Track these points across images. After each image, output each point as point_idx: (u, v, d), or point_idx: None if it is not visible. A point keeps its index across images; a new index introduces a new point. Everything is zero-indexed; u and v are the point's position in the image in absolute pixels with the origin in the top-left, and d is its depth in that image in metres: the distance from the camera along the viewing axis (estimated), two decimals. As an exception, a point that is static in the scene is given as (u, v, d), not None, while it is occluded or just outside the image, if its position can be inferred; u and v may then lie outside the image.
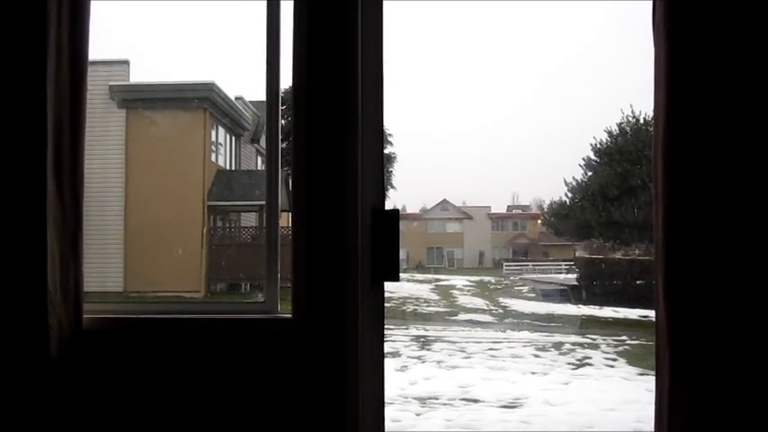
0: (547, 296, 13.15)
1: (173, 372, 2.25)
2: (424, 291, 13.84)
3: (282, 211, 2.53)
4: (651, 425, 1.95)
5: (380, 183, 2.26)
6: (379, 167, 2.27)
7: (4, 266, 2.10)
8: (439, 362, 9.34)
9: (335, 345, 2.17)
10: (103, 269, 8.21)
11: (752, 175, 1.80)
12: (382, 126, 2.29)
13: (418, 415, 7.23)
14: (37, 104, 2.10)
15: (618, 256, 12.57)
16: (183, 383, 2.24)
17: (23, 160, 2.11)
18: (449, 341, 10.51)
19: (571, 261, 13.72)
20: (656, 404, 1.93)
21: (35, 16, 2.12)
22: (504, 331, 11.28)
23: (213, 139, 9.06)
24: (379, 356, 2.24)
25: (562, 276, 13.71)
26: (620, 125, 11.45)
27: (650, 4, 1.96)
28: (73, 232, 2.19)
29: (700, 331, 1.82)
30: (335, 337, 2.17)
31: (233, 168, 9.57)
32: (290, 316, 2.25)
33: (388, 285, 2.27)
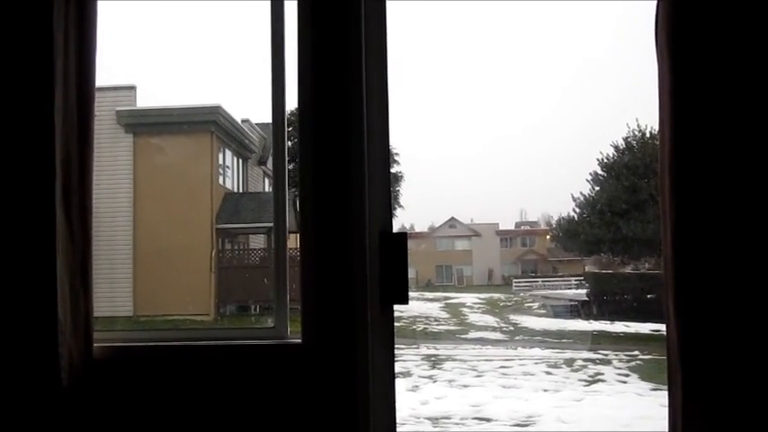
0: (557, 312, 13.08)
1: (183, 399, 2.24)
2: (434, 309, 13.79)
3: (290, 232, 2.54)
4: (666, 442, 1.94)
5: (388, 205, 2.26)
6: (386, 190, 2.27)
7: (14, 296, 2.11)
8: (450, 381, 9.28)
9: (346, 370, 2.16)
10: (113, 294, 8.23)
11: (759, 188, 1.80)
12: (389, 148, 2.30)
13: (430, 435, 7.20)
14: (45, 133, 2.12)
15: (628, 270, 12.51)
16: (194, 410, 2.24)
17: (32, 189, 2.12)
18: (460, 360, 10.44)
19: (581, 276, 13.65)
20: (669, 420, 1.92)
21: (42, 47, 2.14)
22: (516, 349, 11.22)
23: (220, 162, 9.09)
24: (390, 380, 2.23)
25: (572, 292, 13.63)
26: (626, 139, 11.41)
27: (653, 22, 1.97)
28: (82, 261, 2.20)
29: (711, 346, 1.81)
30: (346, 362, 2.16)
31: (241, 191, 9.59)
32: (299, 341, 2.24)
33: (397, 305, 2.27)
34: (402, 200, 11.12)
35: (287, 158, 2.44)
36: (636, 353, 10.25)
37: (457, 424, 7.52)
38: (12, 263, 2.12)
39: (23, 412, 2.11)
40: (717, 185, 1.82)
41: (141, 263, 8.66)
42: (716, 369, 1.80)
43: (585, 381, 9.17)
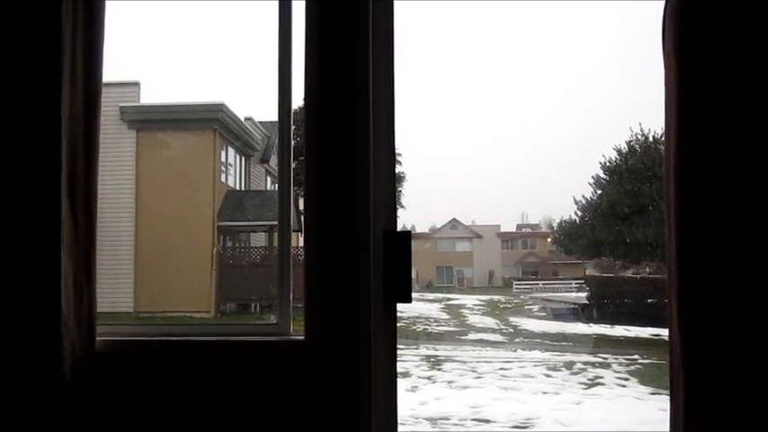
0: (557, 315, 13.08)
1: (185, 394, 2.25)
2: (434, 310, 13.78)
3: (292, 231, 2.54)
4: (665, 445, 1.94)
5: (392, 204, 2.27)
6: (390, 188, 2.27)
7: (18, 289, 2.11)
8: (450, 382, 9.28)
9: (348, 367, 2.16)
10: (114, 289, 8.21)
11: (764, 193, 1.80)
12: (394, 146, 2.30)
13: (429, 436, 7.20)
14: (51, 127, 2.12)
15: (628, 274, 12.50)
16: (196, 406, 2.24)
17: (38, 183, 2.12)
18: (459, 361, 10.44)
19: (581, 279, 13.64)
20: (670, 424, 1.92)
21: (49, 40, 2.14)
22: (515, 351, 11.21)
23: (223, 159, 9.08)
24: (392, 378, 2.24)
25: (573, 295, 13.61)
26: (629, 143, 11.40)
27: (660, 25, 1.97)
28: (86, 255, 2.20)
29: (714, 349, 1.81)
30: (348, 360, 2.17)
31: (243, 189, 9.58)
32: (302, 338, 2.24)
33: (398, 305, 2.27)
34: (404, 200, 11.13)
35: (292, 156, 2.45)
36: (636, 357, 10.24)
37: (456, 425, 7.52)
38: (16, 255, 2.12)
39: (26, 405, 2.11)
40: (722, 190, 1.82)
41: (142, 258, 8.65)
42: (719, 372, 1.80)
43: (585, 384, 9.17)
